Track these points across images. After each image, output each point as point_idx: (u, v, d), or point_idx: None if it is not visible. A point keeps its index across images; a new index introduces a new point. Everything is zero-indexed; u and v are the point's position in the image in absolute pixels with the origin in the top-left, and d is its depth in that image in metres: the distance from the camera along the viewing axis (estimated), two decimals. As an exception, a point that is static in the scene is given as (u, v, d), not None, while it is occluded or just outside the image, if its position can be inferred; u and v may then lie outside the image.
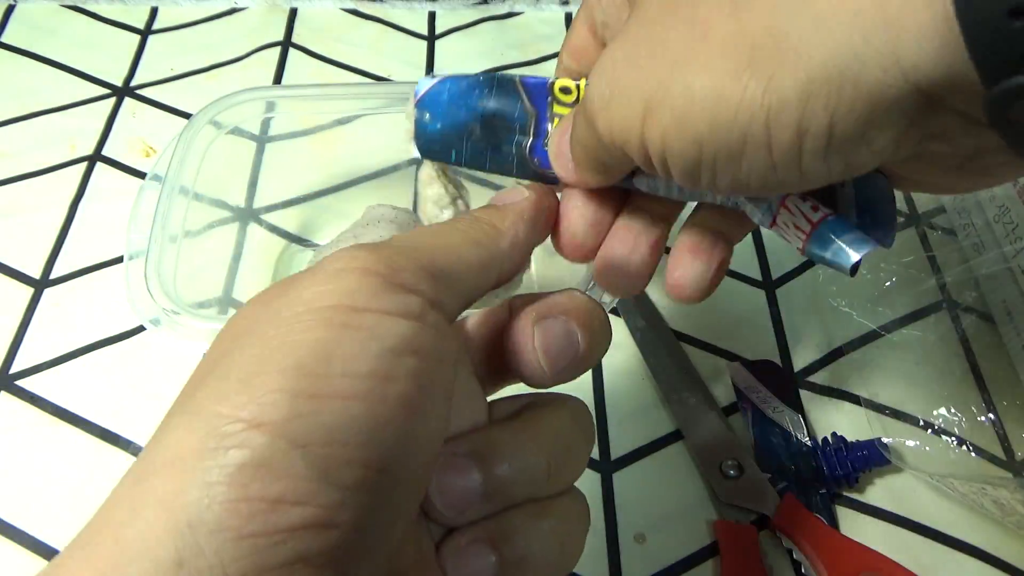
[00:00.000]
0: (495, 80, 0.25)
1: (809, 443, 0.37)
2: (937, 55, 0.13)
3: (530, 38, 0.55)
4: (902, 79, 0.14)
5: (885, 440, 0.36)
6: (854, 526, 0.35)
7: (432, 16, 0.56)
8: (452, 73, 0.25)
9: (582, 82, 0.23)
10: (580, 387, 0.39)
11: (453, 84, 0.25)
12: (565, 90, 0.24)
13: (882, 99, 0.14)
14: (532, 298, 0.21)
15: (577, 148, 0.22)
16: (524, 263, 0.21)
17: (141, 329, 0.40)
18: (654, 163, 0.18)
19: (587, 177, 0.22)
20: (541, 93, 0.24)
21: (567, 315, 0.20)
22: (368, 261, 0.16)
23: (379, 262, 0.16)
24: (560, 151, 0.23)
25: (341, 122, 0.39)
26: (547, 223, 0.23)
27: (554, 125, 0.24)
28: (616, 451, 0.37)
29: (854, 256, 0.19)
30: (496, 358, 0.21)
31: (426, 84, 0.25)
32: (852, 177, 0.20)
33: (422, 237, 0.18)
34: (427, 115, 0.25)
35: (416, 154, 0.26)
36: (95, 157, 0.47)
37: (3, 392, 0.38)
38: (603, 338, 0.21)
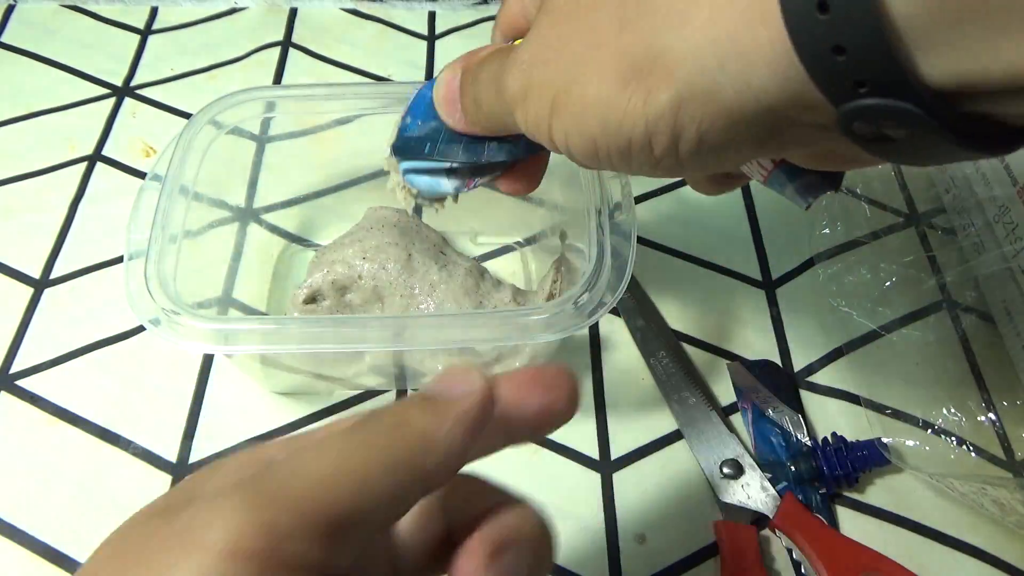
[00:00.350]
0: None
1: (809, 443, 0.37)
2: (784, 83, 0.15)
3: (530, 38, 0.55)
4: (754, 101, 0.16)
5: (885, 440, 0.36)
6: (854, 526, 0.35)
7: (432, 16, 0.56)
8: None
9: None
10: (581, 387, 0.39)
11: (430, 85, 0.26)
12: None
13: (740, 115, 0.16)
14: (475, 508, 0.18)
15: (479, 111, 0.23)
16: (450, 478, 0.16)
17: (141, 329, 0.40)
18: (562, 152, 0.21)
19: (476, 129, 0.24)
20: None
21: (520, 547, 0.17)
22: (243, 533, 0.13)
23: (258, 533, 0.13)
24: (450, 98, 0.24)
25: (341, 122, 0.39)
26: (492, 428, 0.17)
27: None
28: (616, 451, 0.37)
29: (809, 198, 0.24)
30: (425, 562, 0.19)
31: (414, 96, 0.27)
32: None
33: (321, 463, 0.15)
34: (408, 118, 0.27)
35: (387, 153, 0.28)
36: (95, 157, 0.47)
37: (3, 392, 0.38)
38: (549, 566, 0.18)
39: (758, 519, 0.34)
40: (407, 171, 0.28)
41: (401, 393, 0.38)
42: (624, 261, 0.30)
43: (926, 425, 0.38)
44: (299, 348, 0.29)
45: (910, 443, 0.37)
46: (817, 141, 0.18)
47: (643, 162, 0.19)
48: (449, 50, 0.54)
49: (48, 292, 0.41)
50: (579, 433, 0.37)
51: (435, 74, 0.27)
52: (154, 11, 0.55)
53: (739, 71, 0.15)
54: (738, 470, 0.35)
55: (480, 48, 0.24)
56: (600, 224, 0.31)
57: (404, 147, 0.27)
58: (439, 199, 0.29)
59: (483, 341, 0.31)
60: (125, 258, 0.30)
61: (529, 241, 0.44)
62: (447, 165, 0.27)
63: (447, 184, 0.27)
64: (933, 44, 0.13)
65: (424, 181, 0.28)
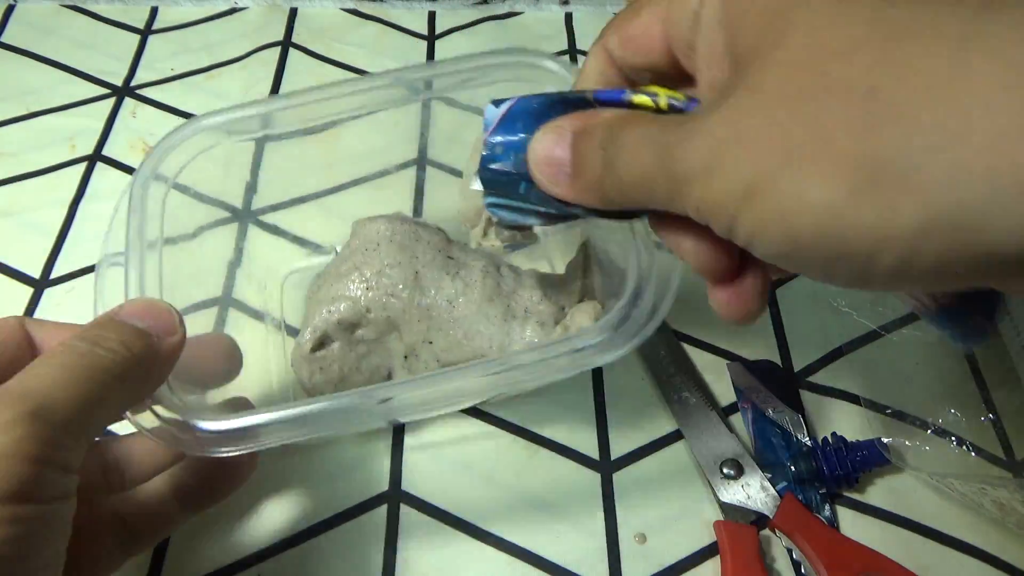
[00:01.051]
0: (567, 98, 0.23)
1: (809, 443, 0.37)
2: None
3: (530, 38, 0.55)
4: None
5: (885, 440, 0.36)
6: (854, 526, 0.35)
7: (432, 16, 0.56)
8: (520, 95, 0.23)
9: (660, 95, 0.22)
10: (580, 387, 0.39)
11: (525, 105, 0.23)
12: (642, 106, 0.22)
13: (1004, 254, 0.14)
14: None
15: (610, 177, 0.20)
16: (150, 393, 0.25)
17: (141, 329, 0.40)
18: (734, 239, 0.18)
19: (591, 198, 0.21)
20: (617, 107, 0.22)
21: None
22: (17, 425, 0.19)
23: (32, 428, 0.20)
24: (555, 159, 0.21)
25: (341, 122, 0.39)
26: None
27: None
28: (616, 451, 0.37)
29: (970, 345, 0.23)
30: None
31: (496, 113, 0.23)
32: None
33: (62, 375, 0.22)
34: (498, 147, 0.23)
35: (477, 186, 0.24)
36: (95, 157, 0.47)
37: (3, 392, 0.38)
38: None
39: (758, 519, 0.34)
40: (491, 204, 0.25)
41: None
42: (668, 270, 0.28)
43: (926, 425, 0.38)
44: (312, 432, 0.27)
45: (910, 443, 0.37)
46: None
47: (843, 274, 0.17)
48: (449, 50, 0.54)
49: (48, 292, 0.41)
50: (579, 433, 0.37)
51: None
52: (154, 11, 0.55)
53: (1017, 207, 0.14)
54: (738, 470, 0.35)
55: (595, 111, 0.22)
56: (634, 233, 0.29)
57: (493, 181, 0.24)
58: (523, 227, 0.27)
59: (529, 382, 0.29)
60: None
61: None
62: (540, 209, 0.24)
63: (534, 221, 0.25)
64: None
65: (509, 216, 0.25)
